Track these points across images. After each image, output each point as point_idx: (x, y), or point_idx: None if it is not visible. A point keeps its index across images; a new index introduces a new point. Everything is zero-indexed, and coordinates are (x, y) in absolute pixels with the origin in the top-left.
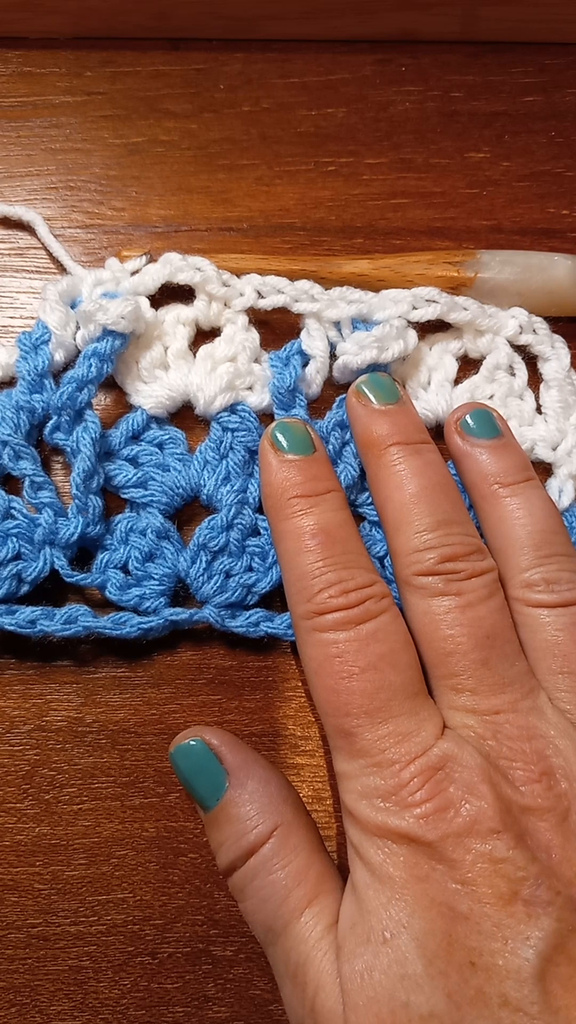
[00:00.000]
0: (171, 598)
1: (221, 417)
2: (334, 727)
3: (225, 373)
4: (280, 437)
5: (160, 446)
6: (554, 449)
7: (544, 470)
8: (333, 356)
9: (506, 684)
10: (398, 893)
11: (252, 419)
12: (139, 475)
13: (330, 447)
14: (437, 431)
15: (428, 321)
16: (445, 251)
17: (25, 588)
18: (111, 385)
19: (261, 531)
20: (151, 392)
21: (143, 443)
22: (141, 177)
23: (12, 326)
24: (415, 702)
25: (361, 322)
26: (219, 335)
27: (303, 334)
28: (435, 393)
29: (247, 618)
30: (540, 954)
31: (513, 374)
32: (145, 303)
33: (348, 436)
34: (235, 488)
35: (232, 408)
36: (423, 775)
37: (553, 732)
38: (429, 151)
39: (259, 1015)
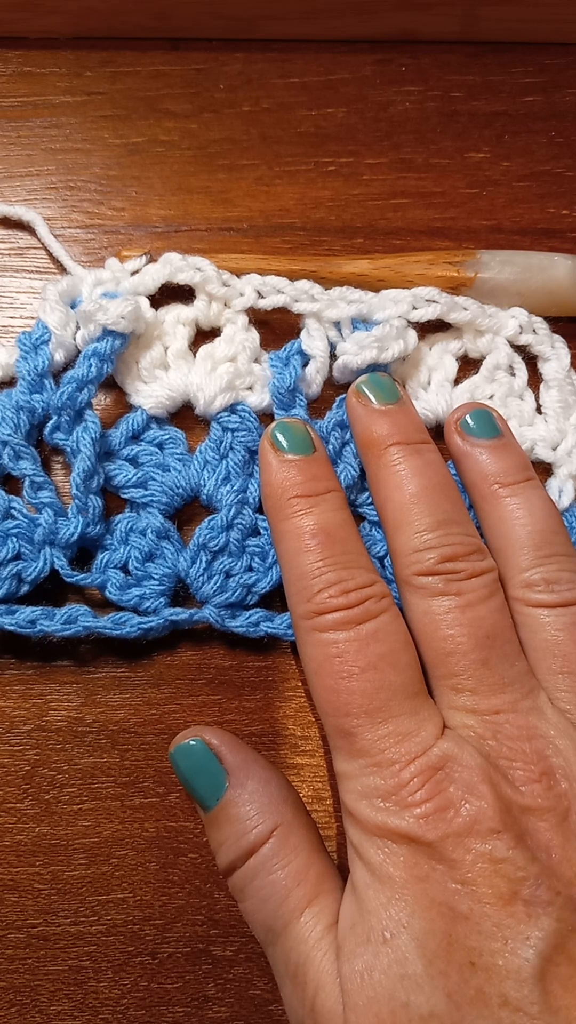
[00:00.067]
0: (171, 598)
1: (221, 417)
2: (334, 727)
3: (225, 373)
4: (280, 437)
5: (160, 446)
6: (554, 449)
7: (544, 470)
8: (333, 356)
9: (506, 684)
10: (398, 893)
11: (252, 419)
12: (139, 475)
13: (330, 447)
14: (437, 431)
15: (428, 321)
16: (445, 251)
17: (25, 588)
18: (111, 385)
19: (261, 531)
20: (151, 392)
21: (143, 443)
22: (141, 177)
23: (12, 326)
24: (415, 702)
25: (361, 322)
26: (219, 335)
27: (303, 334)
28: (435, 393)
29: (247, 618)
30: (540, 954)
31: (513, 374)
32: (145, 303)
33: (348, 436)
34: (235, 488)
35: (232, 408)
36: (423, 775)
37: (553, 732)
38: (429, 151)
39: (259, 1015)
